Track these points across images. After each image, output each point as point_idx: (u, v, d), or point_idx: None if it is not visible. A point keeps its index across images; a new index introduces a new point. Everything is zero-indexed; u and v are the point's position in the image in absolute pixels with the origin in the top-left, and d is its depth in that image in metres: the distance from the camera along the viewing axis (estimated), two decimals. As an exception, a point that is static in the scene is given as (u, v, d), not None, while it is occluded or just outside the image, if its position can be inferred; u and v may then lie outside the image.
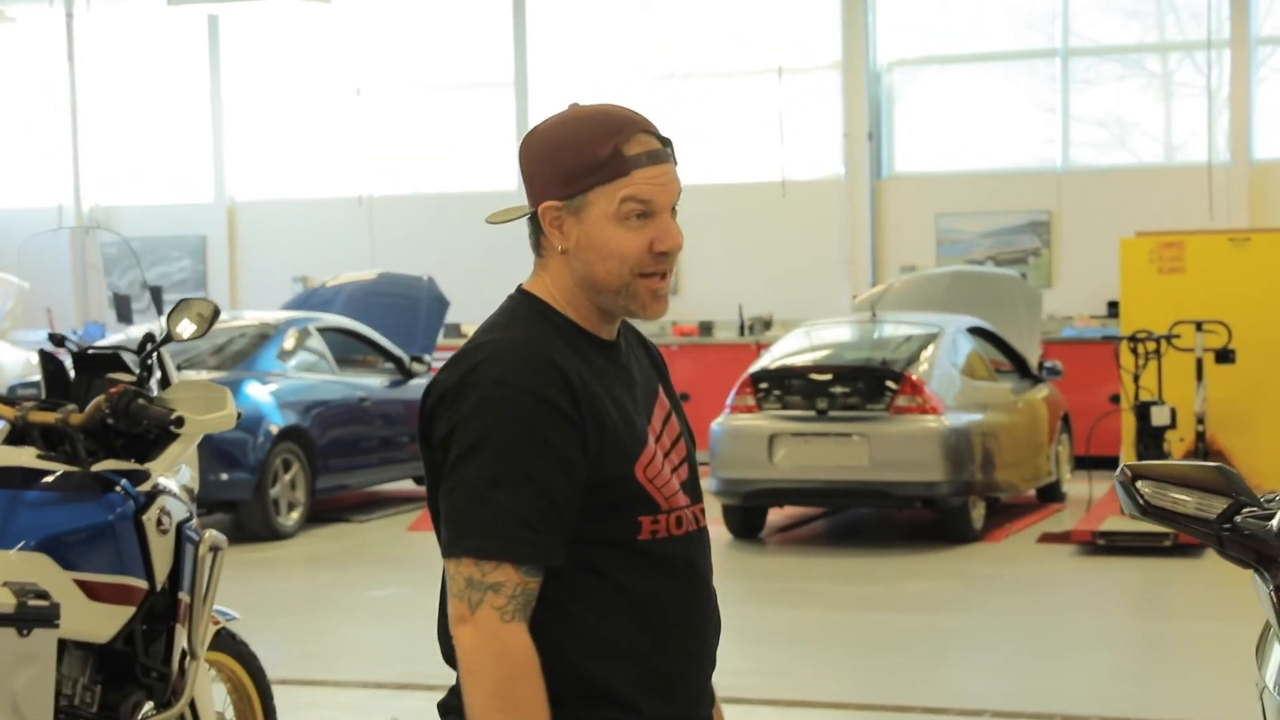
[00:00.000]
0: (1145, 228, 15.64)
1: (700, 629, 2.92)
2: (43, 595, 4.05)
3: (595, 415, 2.76)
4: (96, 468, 4.46)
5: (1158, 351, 13.50)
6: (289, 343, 14.30)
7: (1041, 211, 18.38)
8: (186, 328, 4.75)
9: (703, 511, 2.96)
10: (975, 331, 13.76)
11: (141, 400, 4.46)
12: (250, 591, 11.81)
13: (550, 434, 2.71)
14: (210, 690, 4.92)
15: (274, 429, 13.40)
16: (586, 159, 2.78)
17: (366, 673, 8.91)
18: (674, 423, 2.95)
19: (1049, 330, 17.07)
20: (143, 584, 4.45)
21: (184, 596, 4.57)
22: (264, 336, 14.20)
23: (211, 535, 4.71)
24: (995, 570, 11.83)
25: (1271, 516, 3.14)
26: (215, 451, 12.97)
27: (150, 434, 4.54)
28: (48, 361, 4.76)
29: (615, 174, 2.79)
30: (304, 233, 20.94)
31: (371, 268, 18.42)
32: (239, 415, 4.75)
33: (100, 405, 4.48)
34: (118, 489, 4.43)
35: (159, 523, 4.47)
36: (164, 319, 4.66)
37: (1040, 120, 18.78)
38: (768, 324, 18.38)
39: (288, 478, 13.57)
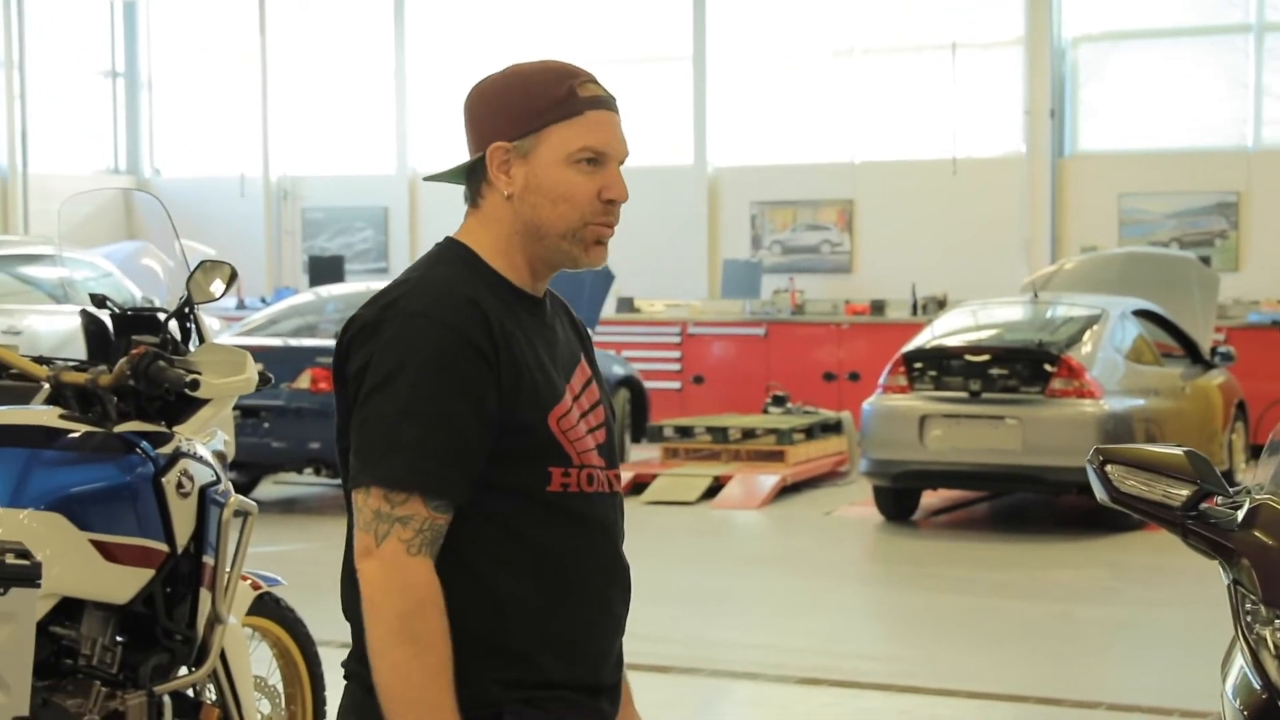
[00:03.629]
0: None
1: (604, 591, 2.84)
2: (24, 554, 4.03)
3: (512, 358, 2.72)
4: (120, 429, 4.45)
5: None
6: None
7: (1230, 192, 17.80)
8: (219, 288, 4.75)
9: (618, 478, 2.90)
10: (1143, 314, 13.35)
11: (162, 363, 4.45)
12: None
13: (465, 369, 2.67)
14: (246, 655, 4.90)
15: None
16: (540, 98, 2.75)
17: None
18: (594, 388, 2.91)
19: (1234, 315, 16.53)
20: (162, 546, 4.43)
21: (208, 560, 4.56)
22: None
23: (238, 500, 4.69)
24: (1148, 560, 11.47)
25: (1239, 507, 2.94)
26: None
27: (171, 396, 4.53)
28: (90, 322, 4.76)
29: (570, 112, 2.76)
30: (482, 206, 20.97)
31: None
32: (269, 379, 4.73)
33: (124, 367, 4.48)
34: (138, 451, 4.43)
35: (179, 485, 4.45)
36: (188, 280, 4.66)
37: (1231, 98, 18.17)
38: (941, 303, 17.97)
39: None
